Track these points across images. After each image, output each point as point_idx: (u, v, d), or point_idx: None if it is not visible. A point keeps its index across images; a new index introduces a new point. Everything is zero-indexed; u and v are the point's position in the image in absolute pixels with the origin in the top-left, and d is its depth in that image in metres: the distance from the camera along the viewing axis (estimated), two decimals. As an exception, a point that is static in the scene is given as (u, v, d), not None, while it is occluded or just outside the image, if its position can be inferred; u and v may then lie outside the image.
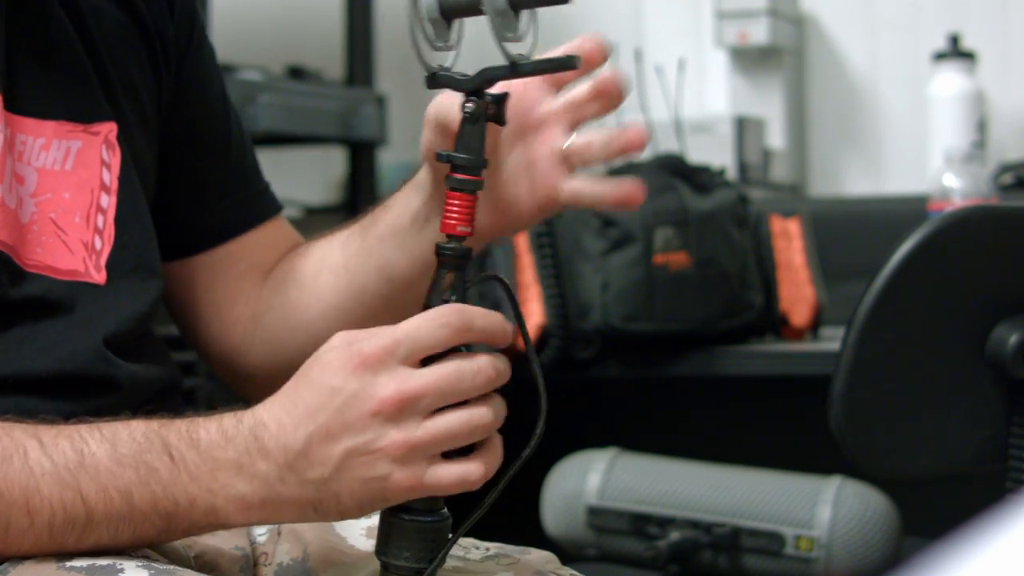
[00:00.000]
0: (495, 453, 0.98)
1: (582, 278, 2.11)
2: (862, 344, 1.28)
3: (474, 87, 1.00)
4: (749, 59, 2.81)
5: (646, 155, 2.20)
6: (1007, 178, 2.42)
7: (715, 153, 2.49)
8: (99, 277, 1.13)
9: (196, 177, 1.27)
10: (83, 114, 1.15)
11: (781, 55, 2.80)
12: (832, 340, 2.09)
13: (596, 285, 2.09)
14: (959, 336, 1.32)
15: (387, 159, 2.96)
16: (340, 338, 0.97)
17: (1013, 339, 1.30)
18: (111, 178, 1.16)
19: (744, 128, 2.61)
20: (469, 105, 1.00)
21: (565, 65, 1.01)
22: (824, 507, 2.04)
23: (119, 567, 0.96)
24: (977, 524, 0.53)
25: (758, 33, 2.70)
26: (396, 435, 0.94)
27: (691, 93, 2.74)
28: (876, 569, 2.02)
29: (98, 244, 1.14)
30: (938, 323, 1.32)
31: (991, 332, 1.32)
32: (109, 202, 1.15)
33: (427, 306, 0.98)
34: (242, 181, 1.30)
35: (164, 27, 1.24)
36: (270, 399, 0.98)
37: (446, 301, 0.98)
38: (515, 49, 1.00)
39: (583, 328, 2.10)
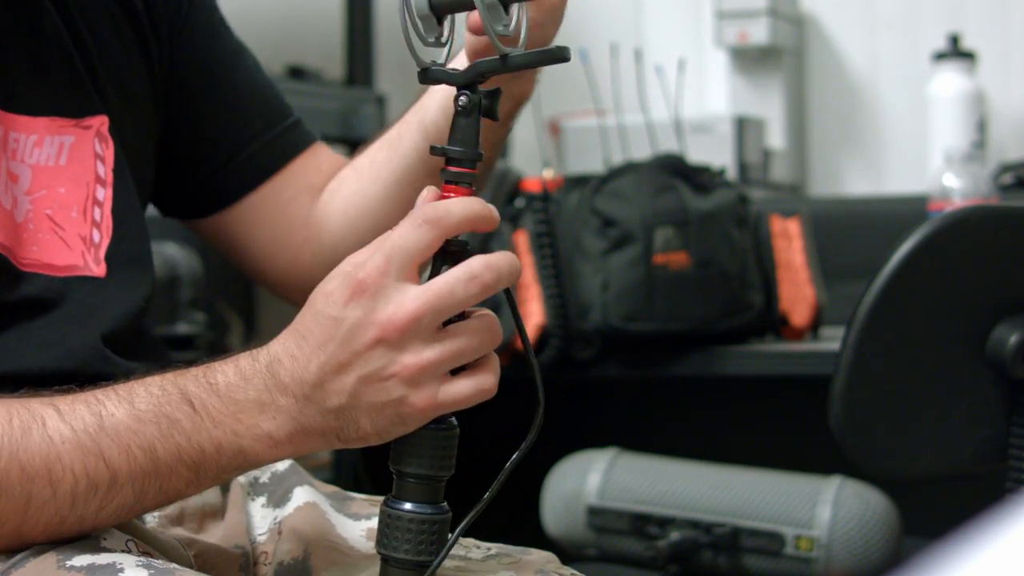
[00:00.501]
0: (496, 365, 0.98)
1: (582, 278, 2.11)
2: (862, 344, 1.28)
3: (467, 81, 1.00)
4: (749, 59, 2.81)
5: (646, 155, 2.20)
6: (1007, 178, 2.42)
7: (715, 153, 2.49)
8: (99, 270, 1.14)
9: (218, 129, 1.29)
10: (74, 109, 1.16)
11: (781, 55, 2.80)
12: (832, 340, 2.09)
13: (596, 285, 2.09)
14: (959, 336, 1.32)
15: (387, 159, 2.96)
16: (344, 264, 0.97)
17: (1013, 339, 1.30)
18: (106, 171, 1.16)
19: (744, 128, 2.61)
20: (462, 99, 1.00)
21: (557, 57, 1.01)
22: (824, 507, 2.04)
23: (119, 566, 0.95)
24: (977, 524, 0.53)
25: (758, 33, 2.70)
26: (405, 358, 0.94)
27: (691, 93, 2.74)
28: (876, 569, 2.02)
29: (96, 237, 1.14)
30: (938, 323, 1.32)
31: (991, 332, 1.32)
32: (105, 195, 1.16)
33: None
34: (269, 121, 1.32)
35: (154, 6, 1.25)
36: (282, 333, 0.98)
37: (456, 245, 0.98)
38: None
39: (583, 328, 2.10)
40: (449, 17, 1.03)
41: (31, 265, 1.10)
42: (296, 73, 2.73)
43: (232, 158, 1.30)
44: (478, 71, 1.00)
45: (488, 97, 1.00)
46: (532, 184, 2.17)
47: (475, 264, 0.95)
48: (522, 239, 2.11)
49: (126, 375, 1.10)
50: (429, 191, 0.99)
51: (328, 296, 0.96)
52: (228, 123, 1.30)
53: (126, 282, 1.15)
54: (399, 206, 1.25)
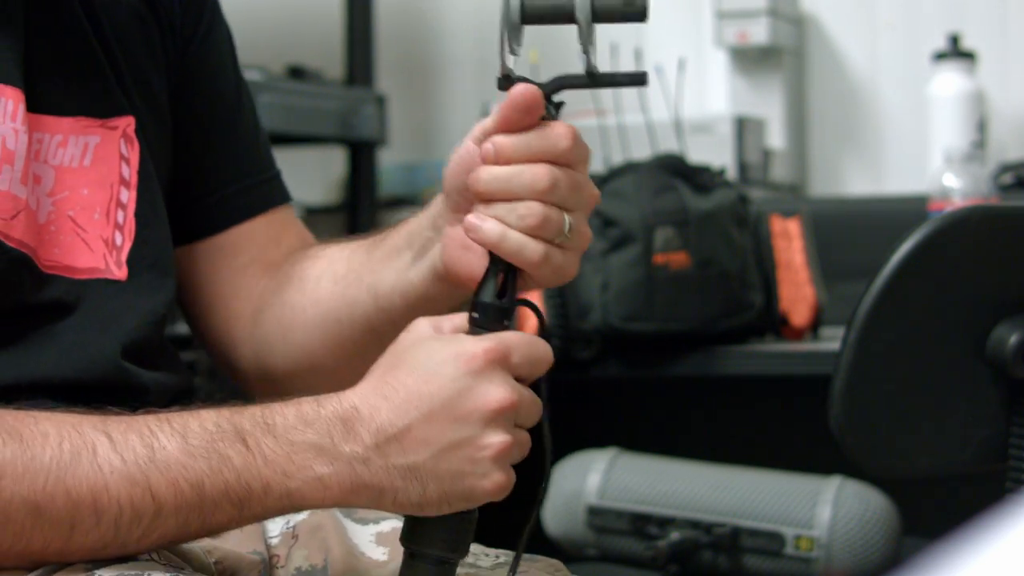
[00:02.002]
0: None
1: (582, 278, 2.11)
2: (862, 344, 1.28)
3: (549, 91, 1.01)
4: (749, 59, 2.80)
5: (646, 155, 2.21)
6: (1007, 178, 2.42)
7: (715, 153, 2.49)
8: (120, 273, 1.12)
9: (201, 163, 1.26)
10: (100, 109, 1.14)
11: (781, 55, 2.80)
12: (832, 340, 2.09)
13: (596, 285, 2.09)
14: (959, 336, 1.32)
15: (387, 159, 2.96)
16: (430, 325, 0.99)
17: (1013, 339, 1.30)
18: (130, 172, 1.15)
19: (744, 128, 2.61)
20: (546, 108, 1.01)
21: (636, 80, 1.03)
22: (824, 507, 2.04)
23: None
24: (977, 524, 0.53)
25: (758, 33, 2.70)
26: (501, 438, 0.96)
27: (691, 93, 2.74)
28: (876, 569, 2.02)
29: (118, 240, 1.13)
30: (938, 323, 1.32)
31: (991, 332, 1.31)
32: (129, 197, 1.14)
33: (475, 302, 1.00)
34: (249, 168, 1.28)
35: (172, 11, 1.23)
36: (361, 384, 0.98)
37: (499, 301, 1.00)
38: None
39: (583, 328, 2.10)
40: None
41: (52, 267, 1.09)
42: (296, 73, 2.73)
43: (206, 195, 1.26)
44: (563, 83, 1.01)
45: (556, 108, 1.02)
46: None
47: (532, 394, 1.00)
48: (522, 239, 2.12)
49: (146, 387, 1.11)
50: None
51: (433, 354, 0.97)
52: (215, 158, 1.27)
53: (147, 287, 1.14)
54: (330, 343, 1.23)
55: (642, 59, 2.41)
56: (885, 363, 1.30)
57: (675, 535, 2.07)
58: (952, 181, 2.23)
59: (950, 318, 1.32)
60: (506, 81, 1.01)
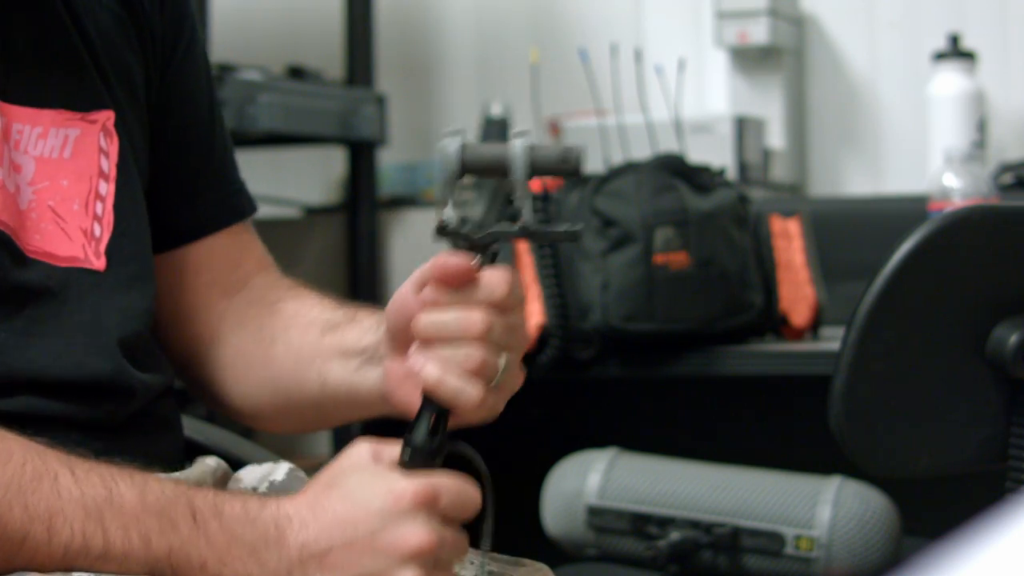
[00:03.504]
0: None
1: (582, 278, 2.11)
2: (862, 344, 1.28)
3: (482, 244, 1.03)
4: (749, 59, 2.80)
5: (646, 155, 2.21)
6: (1007, 178, 2.42)
7: (715, 153, 2.49)
8: (99, 263, 1.14)
9: (174, 174, 1.26)
10: (81, 102, 1.16)
11: (781, 55, 2.80)
12: (832, 340, 2.09)
13: (596, 285, 2.09)
14: (959, 336, 1.32)
15: (387, 159, 2.96)
16: (369, 452, 1.02)
17: (1013, 339, 1.30)
18: (109, 166, 1.16)
19: (744, 128, 2.61)
20: (474, 261, 1.03)
21: (569, 237, 1.06)
22: (824, 507, 2.04)
23: None
24: (977, 524, 0.53)
25: (758, 33, 2.70)
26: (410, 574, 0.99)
27: (691, 93, 2.74)
28: (876, 569, 2.02)
29: (97, 231, 1.15)
30: (938, 323, 1.32)
31: (991, 332, 1.31)
32: (108, 189, 1.16)
33: (407, 440, 1.03)
34: (218, 182, 1.29)
35: (154, 22, 1.23)
36: (298, 496, 1.02)
37: (431, 441, 1.03)
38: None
39: (583, 328, 2.10)
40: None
41: (35, 252, 1.11)
42: (296, 73, 2.73)
43: (176, 205, 1.26)
44: (495, 236, 1.04)
45: (491, 259, 1.04)
46: (532, 184, 2.17)
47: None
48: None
49: (133, 387, 1.12)
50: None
51: (366, 486, 1.00)
52: (188, 172, 1.27)
53: (125, 279, 1.15)
54: (278, 405, 1.26)
55: (642, 59, 2.41)
56: (885, 363, 1.30)
57: (675, 535, 2.07)
58: (952, 181, 2.23)
59: (950, 318, 1.32)
60: (441, 232, 1.04)
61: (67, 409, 1.08)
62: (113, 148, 1.17)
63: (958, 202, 2.18)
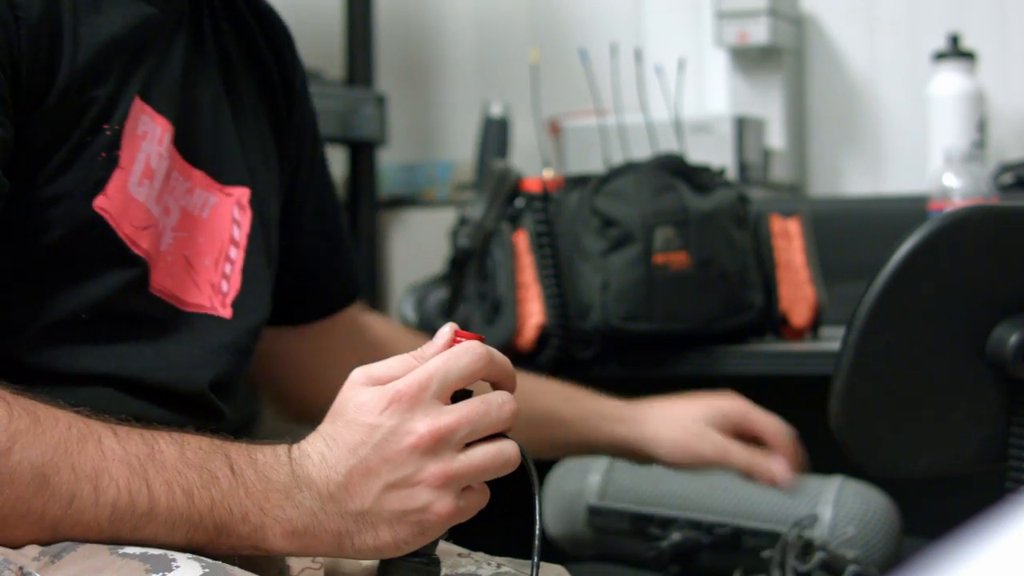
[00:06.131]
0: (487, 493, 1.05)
1: (582, 278, 2.11)
2: (862, 343, 1.28)
3: None
4: (749, 59, 2.80)
5: (646, 155, 2.20)
6: (1007, 178, 2.42)
7: (715, 153, 2.49)
8: (225, 312, 1.20)
9: (302, 265, 1.42)
10: (222, 174, 1.23)
11: (781, 55, 2.80)
12: (832, 340, 2.09)
13: (596, 285, 2.09)
14: (959, 336, 1.32)
15: (387, 159, 2.96)
16: (362, 375, 1.03)
17: (1013, 339, 1.30)
18: (241, 235, 1.24)
19: (744, 128, 2.61)
20: None
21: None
22: (825, 507, 2.04)
23: (171, 557, 0.98)
24: (977, 524, 0.53)
25: (758, 33, 2.70)
26: (434, 467, 1.00)
27: (691, 93, 2.74)
28: (876, 569, 2.02)
29: (224, 287, 1.21)
30: (938, 323, 1.32)
31: (991, 332, 1.31)
32: (237, 255, 1.23)
33: None
34: (341, 271, 1.47)
35: (290, 126, 1.36)
36: (312, 435, 1.03)
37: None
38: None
39: (583, 328, 2.10)
40: None
41: (159, 291, 1.15)
42: (296, 73, 2.73)
43: (303, 289, 1.42)
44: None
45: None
46: (532, 184, 2.17)
47: (506, 395, 1.03)
48: (522, 239, 2.11)
49: (222, 413, 1.19)
50: (450, 327, 1.05)
51: (362, 405, 1.01)
52: (315, 264, 1.43)
53: (246, 330, 1.23)
54: None
55: (642, 59, 2.41)
56: (885, 363, 1.30)
57: (676, 535, 2.07)
58: (952, 181, 2.23)
59: (950, 318, 1.32)
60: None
61: (158, 413, 1.12)
62: (246, 220, 1.24)
63: (958, 202, 2.18)
